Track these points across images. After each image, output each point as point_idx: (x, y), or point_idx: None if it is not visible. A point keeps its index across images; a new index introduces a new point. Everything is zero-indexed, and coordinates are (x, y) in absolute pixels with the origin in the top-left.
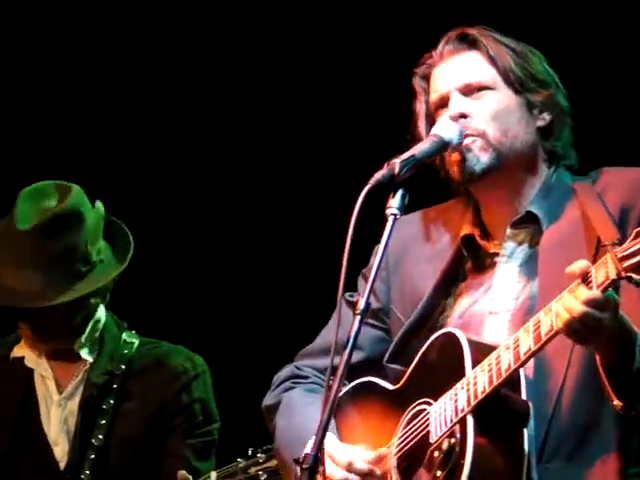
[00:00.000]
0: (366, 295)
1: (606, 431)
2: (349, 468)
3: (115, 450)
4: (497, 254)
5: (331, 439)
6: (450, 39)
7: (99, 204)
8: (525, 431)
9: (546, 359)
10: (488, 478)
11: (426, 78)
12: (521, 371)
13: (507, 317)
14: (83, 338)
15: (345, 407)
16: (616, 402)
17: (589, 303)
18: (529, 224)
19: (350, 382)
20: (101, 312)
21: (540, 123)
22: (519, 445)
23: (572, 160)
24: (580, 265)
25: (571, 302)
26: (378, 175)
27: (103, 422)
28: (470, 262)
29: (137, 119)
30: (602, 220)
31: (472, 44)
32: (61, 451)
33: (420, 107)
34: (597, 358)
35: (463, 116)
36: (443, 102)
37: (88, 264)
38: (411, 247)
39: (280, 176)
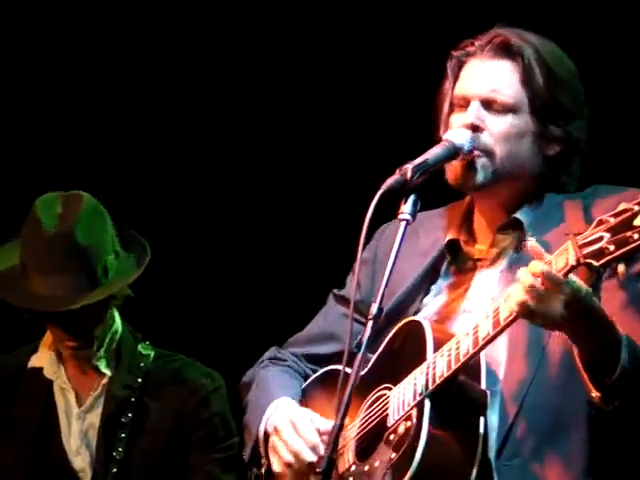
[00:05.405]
0: (378, 300)
1: (572, 434)
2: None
3: (136, 464)
4: (480, 260)
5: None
6: (495, 40)
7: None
8: (482, 419)
9: (517, 356)
10: (441, 462)
11: (460, 65)
12: (482, 360)
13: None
14: (101, 351)
15: (312, 393)
16: (595, 394)
17: (541, 275)
18: (514, 230)
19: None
20: (118, 323)
21: (549, 152)
22: (474, 433)
23: (572, 188)
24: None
25: (523, 275)
26: (390, 181)
27: (123, 435)
28: (453, 265)
29: (141, 129)
30: (577, 222)
31: (514, 54)
32: (82, 463)
33: (447, 90)
34: (575, 351)
35: (475, 128)
36: (464, 102)
37: (111, 266)
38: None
39: (292, 187)
